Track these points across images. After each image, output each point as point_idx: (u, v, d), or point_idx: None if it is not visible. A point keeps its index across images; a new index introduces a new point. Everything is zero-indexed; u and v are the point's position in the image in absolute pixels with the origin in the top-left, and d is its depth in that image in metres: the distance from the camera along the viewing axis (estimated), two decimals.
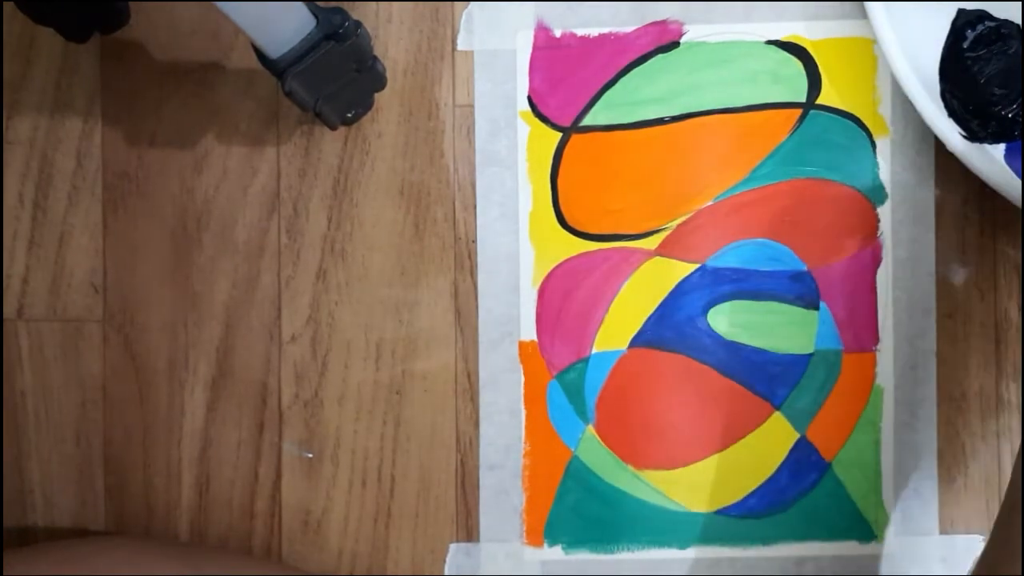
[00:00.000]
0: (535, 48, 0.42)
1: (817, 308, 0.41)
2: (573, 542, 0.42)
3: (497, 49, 0.42)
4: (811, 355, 0.41)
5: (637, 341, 0.42)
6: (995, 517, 0.40)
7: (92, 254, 0.43)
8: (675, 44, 0.42)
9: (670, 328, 0.41)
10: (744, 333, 0.41)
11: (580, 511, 0.42)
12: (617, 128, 0.42)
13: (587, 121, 0.42)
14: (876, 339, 0.41)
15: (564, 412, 0.42)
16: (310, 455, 0.42)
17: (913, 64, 0.39)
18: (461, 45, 0.42)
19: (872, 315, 0.41)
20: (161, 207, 0.42)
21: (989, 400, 0.41)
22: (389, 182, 0.42)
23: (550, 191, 0.42)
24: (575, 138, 0.42)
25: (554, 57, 0.42)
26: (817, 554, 0.41)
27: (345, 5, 0.37)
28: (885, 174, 0.41)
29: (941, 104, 0.39)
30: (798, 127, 0.41)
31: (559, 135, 0.42)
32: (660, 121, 0.42)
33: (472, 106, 0.42)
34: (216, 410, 0.42)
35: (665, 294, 0.42)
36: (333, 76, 0.37)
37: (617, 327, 0.42)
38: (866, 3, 0.39)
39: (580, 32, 0.42)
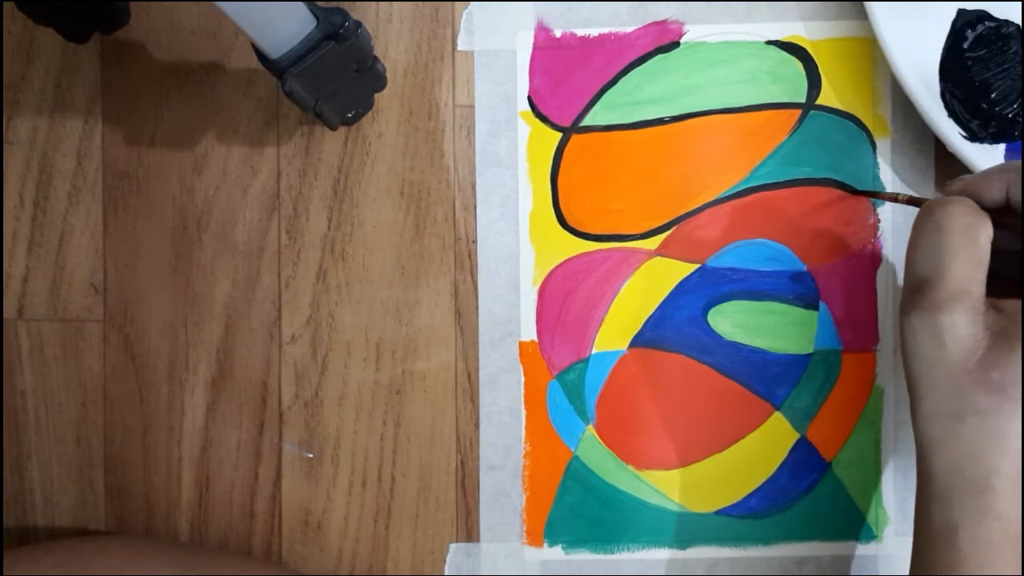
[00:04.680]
0: (535, 48, 0.42)
1: (817, 308, 0.41)
2: (573, 542, 0.42)
3: (497, 49, 0.42)
4: (811, 355, 0.41)
5: (637, 341, 0.42)
6: None
7: (92, 254, 0.43)
8: (675, 44, 0.42)
9: (670, 328, 0.41)
10: (744, 333, 0.41)
11: (580, 511, 0.42)
12: (617, 128, 0.42)
13: (587, 121, 0.42)
14: (876, 339, 0.41)
15: (564, 412, 0.42)
16: (310, 455, 0.42)
17: (913, 64, 0.39)
18: (461, 45, 0.42)
19: (872, 315, 0.41)
20: (161, 207, 0.42)
21: None
22: (389, 182, 0.42)
23: (550, 191, 0.42)
24: (575, 138, 0.42)
25: (554, 57, 0.42)
26: (817, 554, 0.41)
27: (345, 5, 0.37)
28: (885, 174, 0.41)
29: (941, 104, 0.39)
30: (798, 127, 0.41)
31: (559, 135, 0.42)
32: (660, 121, 0.42)
33: (472, 106, 0.42)
34: (216, 410, 0.42)
35: (665, 294, 0.42)
36: (333, 76, 0.37)
37: (617, 327, 0.42)
38: (866, 3, 0.39)
39: (580, 32, 0.42)
